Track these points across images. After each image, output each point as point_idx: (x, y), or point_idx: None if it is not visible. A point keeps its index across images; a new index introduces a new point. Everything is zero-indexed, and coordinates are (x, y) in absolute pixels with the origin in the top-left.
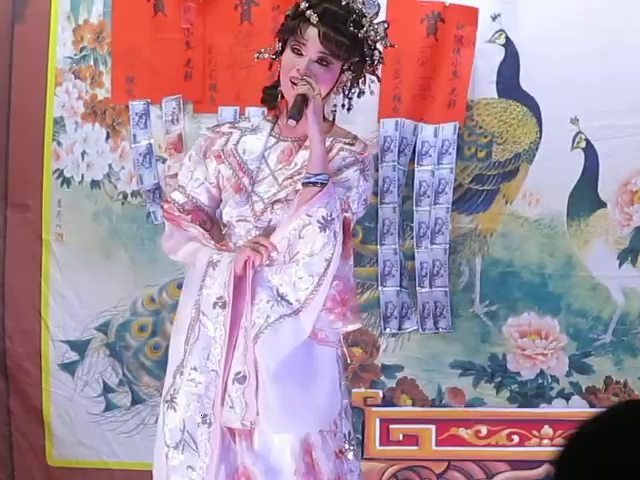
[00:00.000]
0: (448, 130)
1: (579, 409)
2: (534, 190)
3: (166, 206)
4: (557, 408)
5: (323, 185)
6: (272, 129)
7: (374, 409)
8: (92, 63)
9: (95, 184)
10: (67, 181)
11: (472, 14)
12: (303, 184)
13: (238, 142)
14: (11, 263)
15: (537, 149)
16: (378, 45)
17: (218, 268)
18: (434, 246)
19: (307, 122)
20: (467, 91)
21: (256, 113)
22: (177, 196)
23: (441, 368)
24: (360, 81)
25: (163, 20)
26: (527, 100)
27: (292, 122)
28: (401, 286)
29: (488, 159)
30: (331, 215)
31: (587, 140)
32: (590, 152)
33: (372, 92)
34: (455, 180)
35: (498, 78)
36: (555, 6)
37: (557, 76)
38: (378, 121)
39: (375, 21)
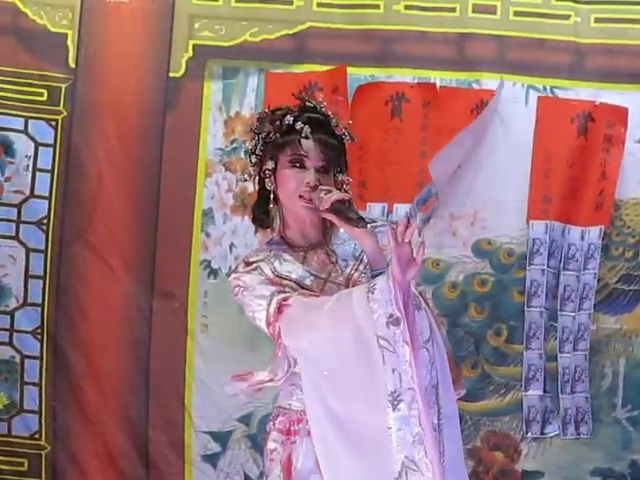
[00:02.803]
0: (594, 234)
1: None
2: None
3: (294, 295)
4: None
5: None
6: (289, 246)
7: None
8: (243, 155)
9: None
10: (214, 272)
11: (622, 113)
12: None
13: (275, 269)
14: (156, 352)
15: None
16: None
17: (377, 291)
18: (576, 352)
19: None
20: (614, 193)
21: (403, 210)
22: (282, 295)
23: (582, 475)
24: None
25: None
26: None
27: (364, 224)
28: (544, 391)
29: (635, 259)
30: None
31: None
32: None
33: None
34: (601, 280)
35: None
36: None
37: None
38: (527, 222)
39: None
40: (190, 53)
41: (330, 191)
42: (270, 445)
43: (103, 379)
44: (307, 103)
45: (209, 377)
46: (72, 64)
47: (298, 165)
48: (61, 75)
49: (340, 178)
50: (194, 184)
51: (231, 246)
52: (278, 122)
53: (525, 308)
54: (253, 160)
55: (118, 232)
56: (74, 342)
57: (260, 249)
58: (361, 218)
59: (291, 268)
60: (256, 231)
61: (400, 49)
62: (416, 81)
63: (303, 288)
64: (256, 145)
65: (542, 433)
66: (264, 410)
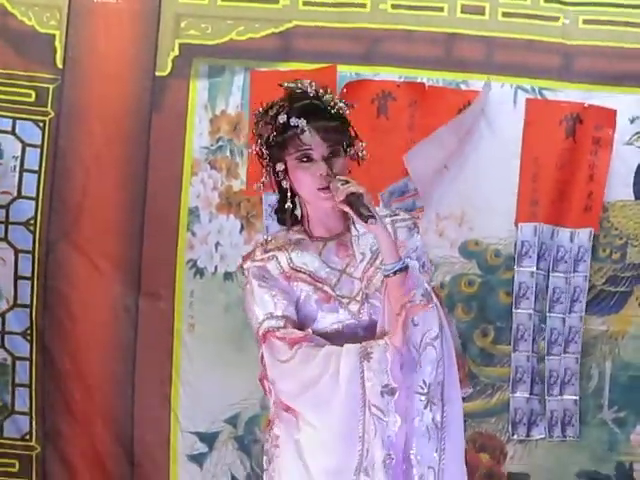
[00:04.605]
0: (583, 236)
1: None
2: None
3: (279, 333)
4: None
5: (405, 269)
6: (311, 236)
7: None
8: (228, 154)
9: (228, 276)
10: (200, 272)
11: (610, 116)
12: (386, 277)
13: (292, 260)
14: (142, 352)
15: None
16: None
17: (373, 360)
18: (566, 355)
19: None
20: (603, 195)
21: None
22: (273, 323)
23: (568, 477)
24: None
25: None
26: None
27: (373, 221)
28: (531, 393)
29: (622, 261)
30: (425, 289)
31: None
32: None
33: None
34: (588, 281)
35: (635, 180)
36: None
37: None
38: (515, 224)
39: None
40: (176, 52)
41: (347, 182)
42: (276, 431)
43: (89, 379)
44: (296, 90)
45: (195, 377)
46: (60, 65)
47: (305, 160)
48: (49, 76)
49: (352, 151)
50: (180, 183)
51: (217, 245)
52: (274, 122)
53: (513, 310)
54: (264, 164)
55: (104, 232)
56: (61, 342)
57: (279, 235)
58: (371, 214)
59: (308, 260)
60: (241, 229)
61: (386, 48)
62: (402, 80)
63: (318, 281)
64: (262, 150)
65: (528, 435)
66: (251, 411)
